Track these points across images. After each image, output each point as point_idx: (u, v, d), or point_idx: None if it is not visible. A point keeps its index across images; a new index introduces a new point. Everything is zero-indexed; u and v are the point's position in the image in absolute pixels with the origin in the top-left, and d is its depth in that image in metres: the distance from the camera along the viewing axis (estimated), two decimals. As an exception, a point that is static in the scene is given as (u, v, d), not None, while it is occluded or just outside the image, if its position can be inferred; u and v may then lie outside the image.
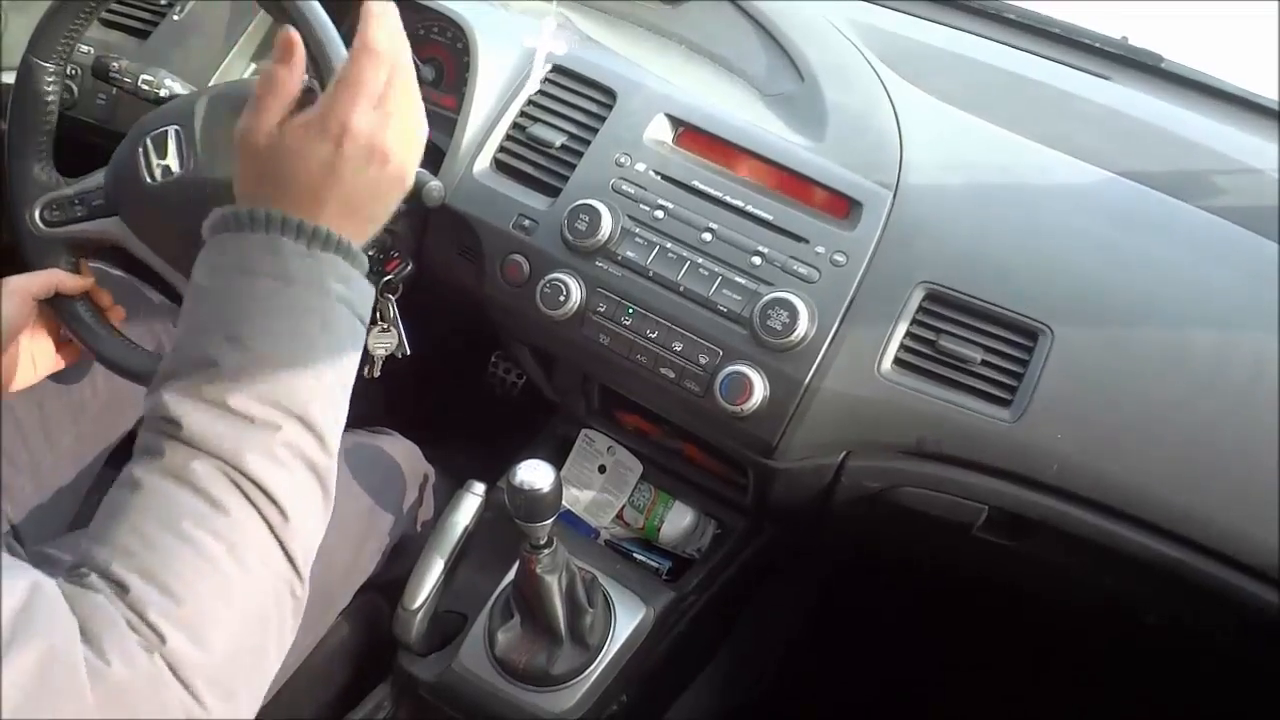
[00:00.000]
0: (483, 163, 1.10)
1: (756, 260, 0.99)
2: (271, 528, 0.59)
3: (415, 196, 1.01)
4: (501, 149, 1.11)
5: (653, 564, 1.17)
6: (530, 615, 1.01)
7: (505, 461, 0.95)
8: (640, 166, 1.05)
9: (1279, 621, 0.89)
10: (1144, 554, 0.90)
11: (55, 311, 0.94)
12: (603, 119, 1.08)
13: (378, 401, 1.43)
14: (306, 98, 0.67)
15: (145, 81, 1.08)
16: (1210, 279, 0.95)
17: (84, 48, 1.22)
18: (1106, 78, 1.17)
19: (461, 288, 1.13)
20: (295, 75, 0.67)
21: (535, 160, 1.09)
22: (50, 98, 0.91)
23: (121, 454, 1.10)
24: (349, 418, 0.68)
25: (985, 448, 0.93)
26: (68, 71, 1.01)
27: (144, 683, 0.53)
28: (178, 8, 1.28)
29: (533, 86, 1.12)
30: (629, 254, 1.02)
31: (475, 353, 1.59)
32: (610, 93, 1.10)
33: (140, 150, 0.88)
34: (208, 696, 0.55)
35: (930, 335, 0.95)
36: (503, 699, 1.03)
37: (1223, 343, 0.91)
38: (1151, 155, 1.06)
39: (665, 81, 1.12)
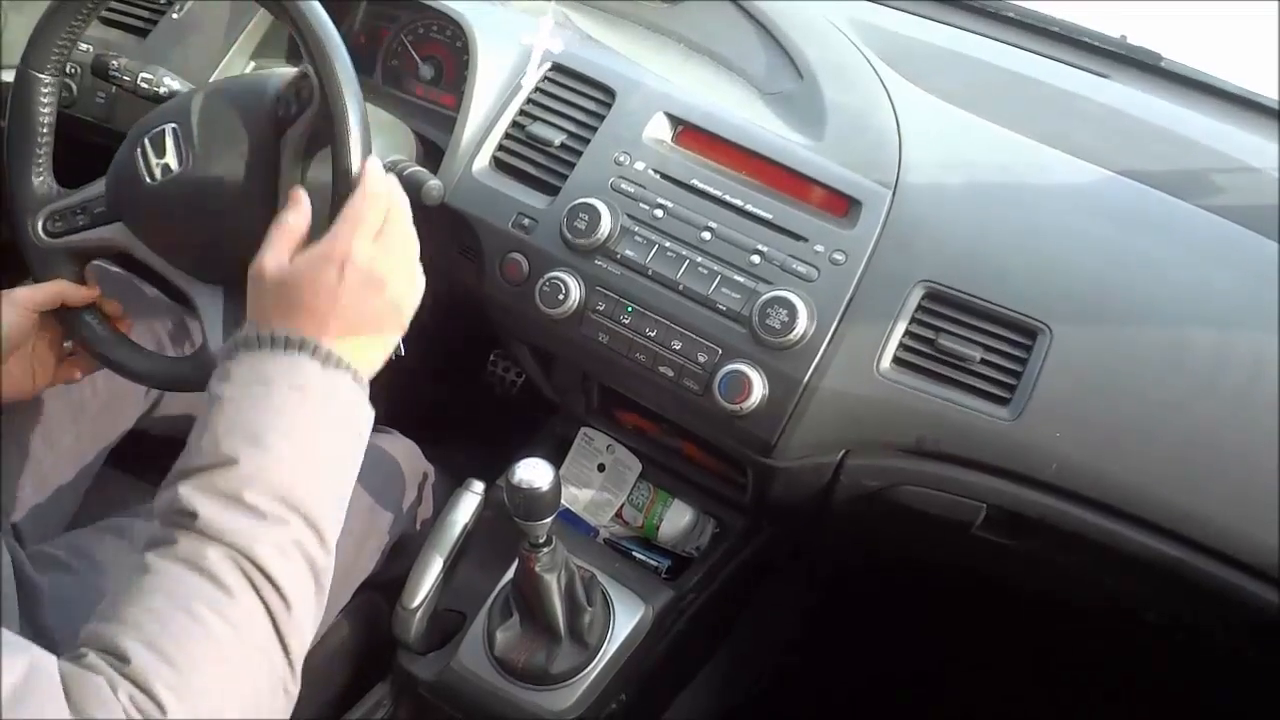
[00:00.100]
0: (482, 161, 1.10)
1: (755, 259, 0.99)
2: (274, 618, 0.62)
3: (415, 196, 1.01)
4: (501, 148, 1.11)
5: (652, 563, 1.17)
6: (529, 614, 1.01)
7: (504, 460, 0.95)
8: (639, 165, 1.05)
9: (1279, 621, 0.89)
10: (1143, 553, 0.90)
11: (63, 324, 0.94)
12: (602, 117, 1.08)
13: (377, 400, 1.43)
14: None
15: (144, 80, 1.08)
16: (1210, 278, 0.95)
17: (83, 46, 1.22)
18: (1106, 76, 1.17)
19: (461, 286, 1.13)
20: (304, 222, 0.75)
21: (534, 159, 1.09)
22: (46, 108, 0.91)
23: (121, 454, 1.10)
24: None
25: (984, 446, 0.93)
26: (67, 70, 1.01)
27: None
28: (177, 6, 1.28)
29: (530, 84, 1.12)
30: (628, 253, 1.02)
31: (474, 351, 1.59)
32: (609, 91, 1.10)
33: (139, 151, 0.88)
34: None
35: (929, 334, 0.95)
36: (502, 698, 1.03)
37: (1222, 342, 0.91)
38: (1151, 154, 1.06)
39: (664, 80, 1.12)
